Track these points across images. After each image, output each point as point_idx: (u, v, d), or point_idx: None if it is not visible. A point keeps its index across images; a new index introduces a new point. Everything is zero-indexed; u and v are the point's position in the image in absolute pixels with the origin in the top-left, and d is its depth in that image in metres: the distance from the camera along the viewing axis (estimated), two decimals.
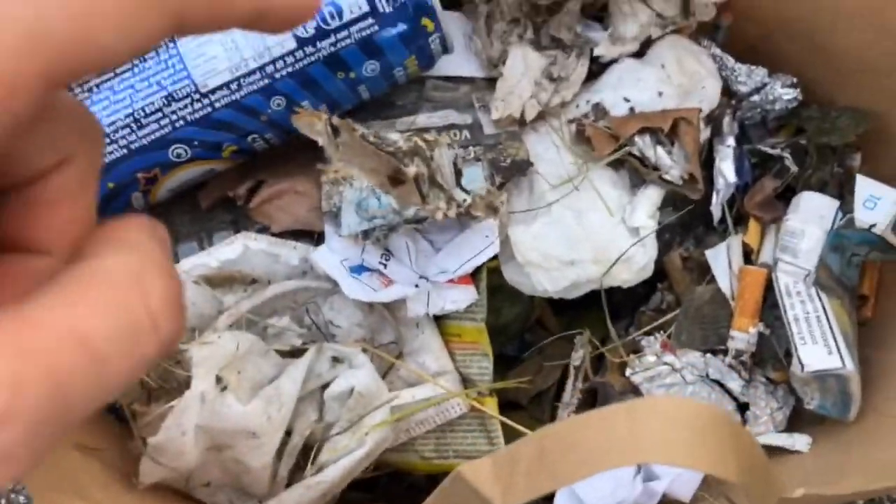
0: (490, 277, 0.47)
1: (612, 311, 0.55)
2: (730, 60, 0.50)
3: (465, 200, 0.35)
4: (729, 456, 0.20)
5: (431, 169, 0.33)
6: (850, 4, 0.43)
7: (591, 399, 0.51)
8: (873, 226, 0.44)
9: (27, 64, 0.12)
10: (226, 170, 0.46)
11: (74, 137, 0.14)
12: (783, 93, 0.50)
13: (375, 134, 0.31)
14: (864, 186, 0.44)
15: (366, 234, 0.41)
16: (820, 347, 0.42)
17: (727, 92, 0.51)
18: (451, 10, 0.52)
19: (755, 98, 0.51)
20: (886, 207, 0.43)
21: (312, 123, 0.32)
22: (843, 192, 0.49)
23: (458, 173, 0.35)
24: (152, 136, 0.41)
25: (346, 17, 0.40)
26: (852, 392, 0.43)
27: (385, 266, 0.43)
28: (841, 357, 0.41)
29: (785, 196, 0.49)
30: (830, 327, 0.42)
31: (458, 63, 0.50)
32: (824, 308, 0.43)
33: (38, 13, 0.12)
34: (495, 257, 0.46)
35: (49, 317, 0.12)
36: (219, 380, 0.38)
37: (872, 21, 0.43)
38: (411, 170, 0.31)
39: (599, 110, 0.47)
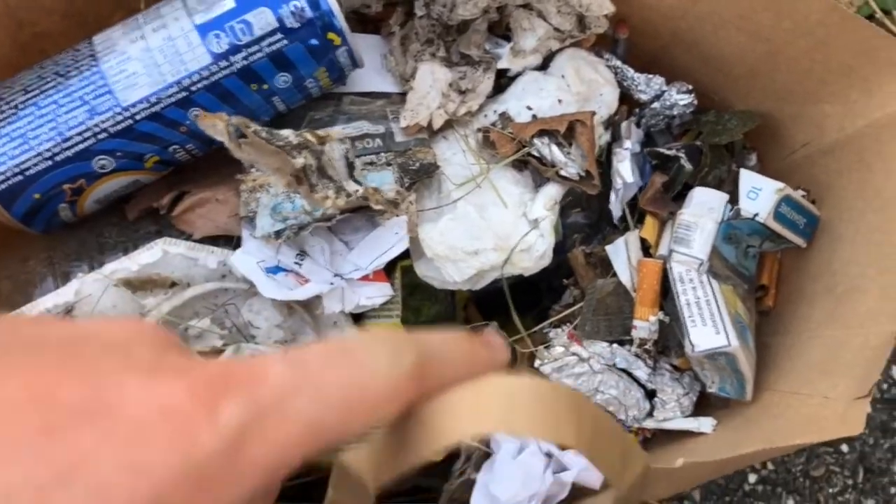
0: (409, 276, 0.49)
1: (539, 313, 0.57)
2: (629, 71, 0.54)
3: (356, 191, 0.37)
4: (567, 425, 0.21)
5: (322, 161, 0.35)
6: (724, 13, 0.46)
7: None
8: (756, 215, 0.47)
9: (296, 452, 0.15)
10: (152, 182, 0.49)
11: None
12: (679, 98, 0.53)
13: (268, 130, 0.34)
14: (747, 178, 0.47)
15: (278, 235, 0.43)
16: (709, 328, 0.44)
17: (629, 101, 0.55)
18: (370, 34, 0.56)
19: (655, 105, 0.54)
20: (767, 197, 0.47)
21: (214, 124, 0.35)
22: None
23: (350, 166, 0.37)
24: (76, 149, 0.44)
25: (256, 32, 0.43)
26: (742, 370, 0.45)
27: (300, 265, 0.45)
28: (727, 336, 0.44)
29: (684, 195, 0.52)
30: (719, 310, 0.45)
31: (375, 80, 0.53)
32: (714, 293, 0.46)
33: (319, 414, 0.15)
34: (409, 255, 0.48)
35: None
36: None
37: (744, 27, 0.46)
38: (298, 161, 0.34)
39: (505, 118, 0.51)
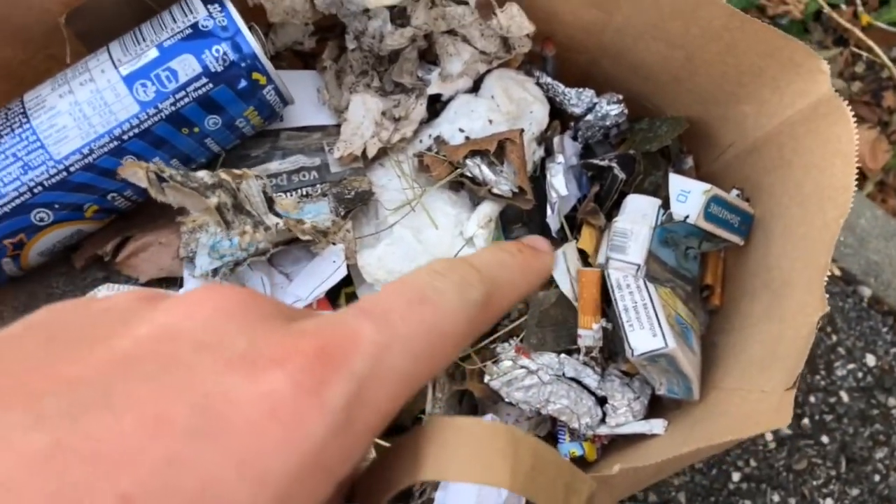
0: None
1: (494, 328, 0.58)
2: (560, 86, 0.55)
3: (276, 224, 0.38)
4: (501, 465, 0.21)
5: (238, 199, 0.36)
6: (638, 24, 0.48)
7: (473, 406, 0.54)
8: (687, 217, 0.48)
9: (394, 407, 0.16)
10: (98, 230, 0.50)
11: None
12: (610, 109, 0.55)
13: (183, 173, 0.35)
14: (676, 182, 0.48)
15: (215, 272, 0.44)
16: (646, 332, 0.45)
17: (564, 115, 0.56)
18: (306, 70, 0.57)
19: (589, 118, 0.55)
20: (695, 199, 0.47)
21: (135, 172, 0.36)
22: None
23: (269, 201, 0.38)
24: (13, 204, 0.45)
25: (182, 79, 0.44)
26: (685, 371, 0.46)
27: None
28: (664, 338, 0.44)
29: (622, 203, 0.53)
30: (655, 313, 0.46)
31: (312, 114, 0.54)
32: (650, 297, 0.46)
33: (409, 367, 0.16)
34: (351, 283, 0.49)
35: None
36: None
37: (659, 36, 0.48)
38: (213, 200, 0.35)
39: (440, 142, 0.52)
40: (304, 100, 0.54)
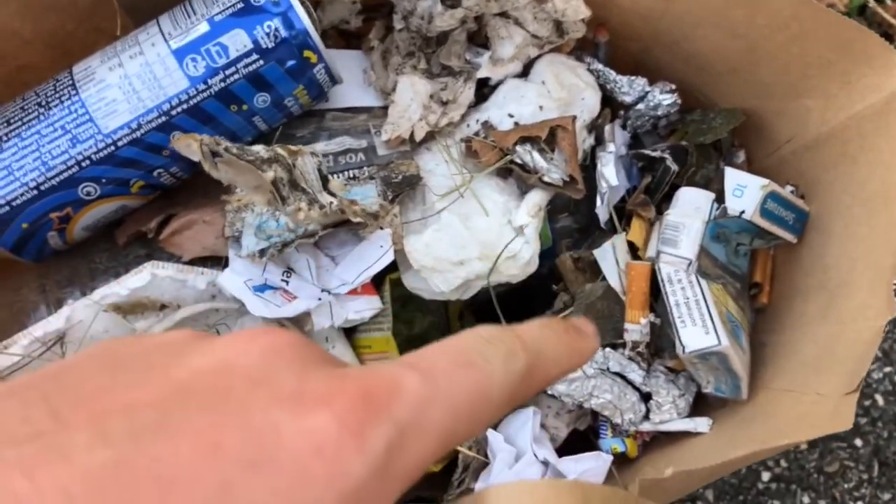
0: (399, 289, 0.49)
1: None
2: (611, 74, 0.54)
3: (331, 203, 0.37)
4: None
5: (294, 175, 0.35)
6: (699, 11, 0.46)
7: None
8: (742, 212, 0.46)
9: (431, 460, 0.16)
10: (141, 206, 0.49)
11: None
12: (663, 98, 0.53)
13: (238, 146, 0.34)
14: (732, 176, 0.47)
15: (262, 253, 0.43)
16: (698, 328, 0.44)
17: (614, 103, 0.55)
18: (352, 49, 0.56)
19: (640, 107, 0.54)
20: (752, 194, 0.46)
21: (188, 144, 0.35)
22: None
23: (323, 179, 0.37)
24: (61, 177, 0.44)
25: (232, 55, 0.44)
26: (735, 369, 0.45)
27: (287, 283, 0.46)
28: (717, 335, 0.43)
29: (672, 195, 0.52)
30: (708, 309, 0.45)
31: (357, 95, 0.53)
32: (703, 293, 0.45)
33: (450, 424, 0.16)
34: (397, 268, 0.48)
35: None
36: None
37: (720, 24, 0.46)
38: (269, 174, 0.34)
39: (488, 127, 0.51)
40: (350, 80, 0.53)
